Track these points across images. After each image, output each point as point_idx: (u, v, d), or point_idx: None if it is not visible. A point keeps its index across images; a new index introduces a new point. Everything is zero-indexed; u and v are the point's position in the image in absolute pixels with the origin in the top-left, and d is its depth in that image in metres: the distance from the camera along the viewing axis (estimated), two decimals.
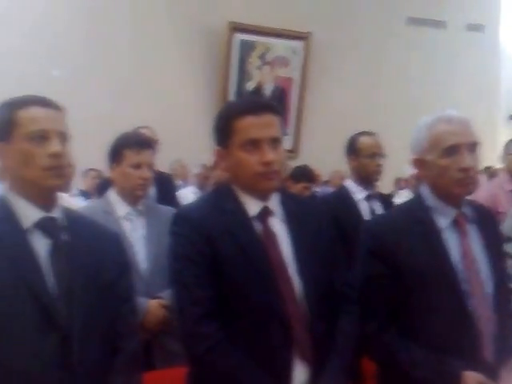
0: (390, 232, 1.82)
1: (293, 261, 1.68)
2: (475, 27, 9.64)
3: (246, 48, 7.43)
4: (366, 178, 3.13)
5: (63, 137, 1.56)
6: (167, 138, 4.11)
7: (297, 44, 7.71)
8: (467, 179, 1.77)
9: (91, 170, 5.78)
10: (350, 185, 3.17)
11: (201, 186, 5.98)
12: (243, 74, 7.42)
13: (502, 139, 5.67)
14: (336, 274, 1.76)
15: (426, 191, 1.87)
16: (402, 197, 4.75)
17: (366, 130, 3.27)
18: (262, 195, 1.71)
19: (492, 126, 9.16)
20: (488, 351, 1.76)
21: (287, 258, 1.68)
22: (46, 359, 1.46)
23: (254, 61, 7.45)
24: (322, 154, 6.56)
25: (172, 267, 1.70)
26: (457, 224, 1.83)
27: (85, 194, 5.59)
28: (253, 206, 1.70)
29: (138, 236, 2.50)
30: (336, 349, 1.67)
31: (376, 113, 7.87)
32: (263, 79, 7.54)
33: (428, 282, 1.75)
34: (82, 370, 1.50)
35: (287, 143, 6.73)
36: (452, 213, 1.83)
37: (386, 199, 3.32)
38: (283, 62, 7.66)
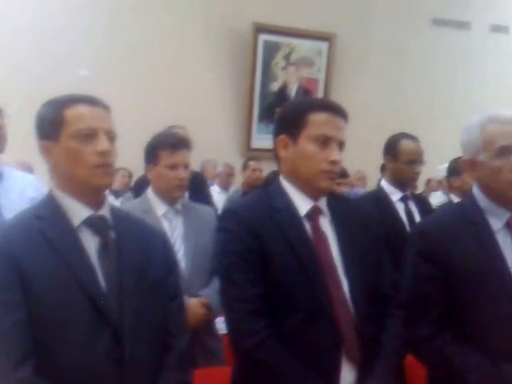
0: (442, 233, 1.78)
1: (341, 261, 1.67)
2: (499, 28, 9.54)
3: (271, 49, 7.42)
4: (402, 183, 3.09)
5: (110, 135, 1.56)
6: (193, 138, 4.11)
7: (321, 45, 7.69)
8: None
9: (120, 169, 5.81)
10: (386, 185, 3.14)
11: (224, 186, 5.99)
12: (268, 75, 7.41)
13: None
14: (382, 275, 1.75)
15: (477, 192, 1.84)
16: (435, 198, 4.70)
17: (403, 131, 3.22)
18: (316, 194, 1.71)
19: None
20: None
21: (336, 258, 1.67)
22: (98, 357, 1.47)
23: (278, 61, 7.43)
24: (347, 153, 6.47)
25: (221, 263, 1.70)
26: (510, 226, 1.79)
27: (115, 193, 5.61)
28: (303, 205, 1.70)
29: (177, 235, 2.51)
30: (383, 351, 1.66)
31: (401, 113, 7.81)
32: (288, 80, 7.53)
33: (482, 285, 1.71)
34: (133, 368, 1.50)
35: None
36: (505, 215, 1.78)
37: (421, 200, 3.29)
38: (308, 62, 7.64)
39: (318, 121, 1.66)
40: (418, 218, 3.05)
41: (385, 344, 1.67)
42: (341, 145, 1.69)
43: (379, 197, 3.11)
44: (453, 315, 1.75)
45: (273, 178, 3.71)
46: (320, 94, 7.53)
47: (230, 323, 1.66)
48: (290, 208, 1.69)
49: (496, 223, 1.78)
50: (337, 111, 1.70)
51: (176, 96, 6.96)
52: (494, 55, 9.20)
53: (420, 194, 4.04)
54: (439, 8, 8.96)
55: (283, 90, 7.49)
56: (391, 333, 1.70)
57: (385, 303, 1.73)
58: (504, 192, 1.76)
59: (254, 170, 5.25)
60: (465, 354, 1.71)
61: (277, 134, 1.74)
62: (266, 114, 7.35)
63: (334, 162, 1.65)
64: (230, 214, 1.72)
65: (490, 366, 1.68)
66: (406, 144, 3.07)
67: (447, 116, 8.18)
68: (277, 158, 1.77)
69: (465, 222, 1.80)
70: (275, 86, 7.46)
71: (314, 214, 1.70)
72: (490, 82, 8.98)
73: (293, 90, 7.58)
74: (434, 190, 5.56)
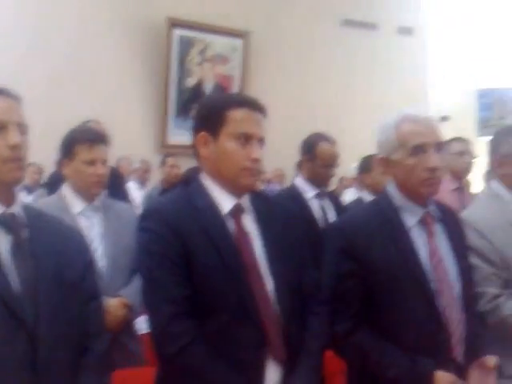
0: (360, 230, 1.81)
1: (264, 260, 1.66)
2: (405, 30, 9.97)
3: (186, 44, 7.36)
4: (318, 182, 3.17)
5: (22, 128, 1.49)
6: (107, 134, 4.02)
7: (236, 42, 7.72)
8: (434, 179, 1.79)
9: (29, 164, 5.55)
10: (301, 183, 3.20)
11: (141, 182, 5.90)
12: (183, 70, 7.35)
13: None
14: (304, 274, 1.76)
15: (392, 190, 1.88)
16: (348, 195, 4.84)
17: (317, 128, 3.29)
18: (238, 191, 1.69)
19: None
20: (457, 351, 1.78)
21: (259, 257, 1.66)
22: (13, 361, 1.40)
23: (193, 57, 7.39)
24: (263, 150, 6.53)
25: (144, 264, 1.66)
26: (424, 223, 1.83)
27: (27, 189, 5.37)
28: (226, 203, 1.68)
29: (95, 233, 2.43)
30: (306, 349, 1.67)
31: (315, 111, 8.00)
32: (203, 76, 7.50)
33: (397, 281, 1.74)
34: (49, 373, 1.45)
35: None
36: (419, 212, 1.83)
37: (334, 198, 3.39)
38: (223, 59, 7.65)
39: (237, 118, 1.65)
40: (331, 215, 3.14)
41: (308, 342, 1.68)
42: (261, 141, 1.68)
43: (293, 194, 3.16)
44: (371, 311, 1.79)
45: (191, 175, 3.70)
46: (235, 91, 7.55)
47: (154, 326, 1.62)
48: (212, 207, 1.67)
49: (410, 220, 1.83)
50: (256, 107, 1.68)
51: (89, 90, 6.75)
52: (400, 56, 9.61)
53: (332, 191, 4.14)
54: (348, 9, 9.25)
55: (199, 86, 7.45)
56: (314, 331, 1.71)
57: (308, 301, 1.74)
58: (417, 190, 1.80)
59: (172, 166, 5.20)
60: (382, 349, 1.75)
61: (196, 130, 1.71)
62: (182, 110, 7.28)
63: (255, 160, 1.64)
64: (153, 213, 1.68)
65: (406, 360, 1.73)
66: (324, 147, 3.14)
67: (355, 115, 8.49)
68: (197, 155, 1.74)
69: (380, 219, 1.83)
70: (191, 82, 7.41)
71: (236, 212, 1.68)
72: (396, 81, 9.36)
73: (208, 87, 7.56)
74: (347, 187, 5.73)
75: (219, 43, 7.57)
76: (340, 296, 1.80)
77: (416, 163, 1.78)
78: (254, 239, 1.68)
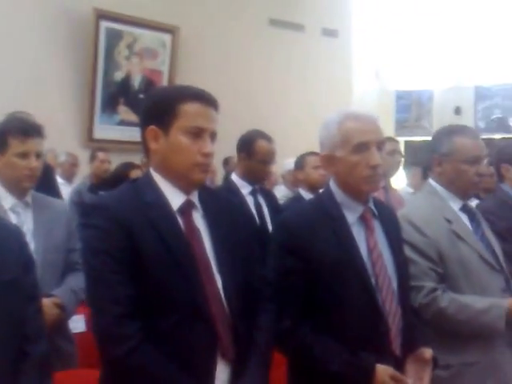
0: (304, 226, 1.83)
1: (213, 257, 1.65)
2: (330, 32, 10.16)
3: (113, 37, 7.18)
4: (254, 179, 3.19)
5: (214, 136, 1.62)
6: None
7: (165, 37, 7.61)
8: (375, 176, 1.83)
9: None
10: (236, 179, 3.21)
11: (67, 176, 5.71)
12: (111, 64, 7.17)
13: None
14: (253, 270, 1.76)
15: (334, 187, 1.91)
16: (279, 192, 4.90)
17: (247, 127, 3.30)
18: (189, 187, 1.67)
19: None
20: (396, 344, 1.83)
21: (209, 254, 1.65)
22: None
23: (121, 51, 7.22)
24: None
25: (88, 263, 1.60)
26: (364, 220, 1.88)
27: None
28: (175, 199, 1.64)
29: (26, 230, 2.33)
30: (255, 347, 1.67)
31: (242, 109, 8.00)
32: (132, 70, 7.34)
33: (340, 276, 1.78)
34: None
35: None
36: (359, 209, 1.87)
37: (268, 194, 3.42)
38: (152, 54, 7.52)
39: (190, 112, 1.62)
40: (266, 211, 3.17)
41: (257, 340, 1.68)
42: (213, 136, 1.66)
43: (230, 191, 3.15)
44: (314, 306, 1.81)
45: (123, 171, 3.63)
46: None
47: (99, 327, 1.56)
48: (161, 202, 1.63)
49: (351, 216, 1.87)
50: (209, 101, 1.66)
51: (14, 82, 6.45)
52: (326, 57, 9.80)
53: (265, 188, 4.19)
54: (276, 9, 9.32)
55: (127, 80, 7.30)
56: (263, 328, 1.71)
57: (256, 298, 1.73)
58: (360, 187, 1.84)
59: (102, 161, 5.08)
60: (324, 344, 1.77)
61: (145, 124, 1.66)
62: (109, 104, 7.11)
63: (207, 155, 1.62)
64: (98, 209, 1.62)
65: (348, 355, 1.76)
66: (261, 144, 3.17)
67: (284, 114, 8.58)
68: (146, 150, 1.69)
69: (323, 216, 1.86)
70: (118, 76, 7.24)
71: (186, 208, 1.66)
72: (323, 82, 9.54)
73: (136, 81, 7.42)
74: (277, 184, 5.80)
75: (148, 37, 7.44)
76: (283, 292, 1.80)
77: (359, 160, 1.82)
78: (203, 236, 1.66)
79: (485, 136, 9.87)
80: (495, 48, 10.35)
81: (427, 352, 1.87)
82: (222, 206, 1.78)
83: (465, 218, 2.29)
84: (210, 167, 1.67)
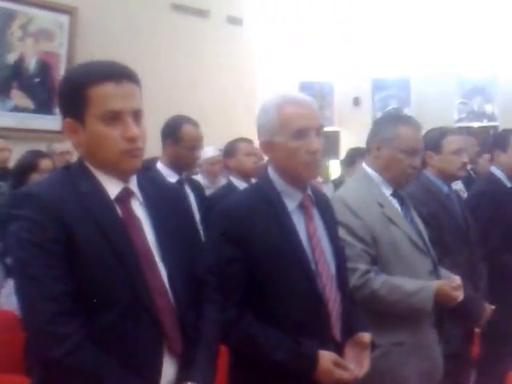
0: (244, 214, 1.78)
1: (156, 247, 1.55)
2: (235, 20, 10.12)
3: (6, 17, 6.67)
4: (181, 166, 3.08)
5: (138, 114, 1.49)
6: None
7: (62, 18, 7.20)
8: (315, 162, 1.81)
9: None
10: (162, 168, 3.08)
11: None
12: (3, 45, 6.66)
13: None
14: (197, 260, 1.69)
15: (273, 174, 1.87)
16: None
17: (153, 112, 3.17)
18: (123, 175, 1.55)
19: (251, 118, 9.75)
20: (336, 330, 1.84)
21: (151, 244, 1.55)
22: None
23: (14, 31, 6.73)
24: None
25: (17, 257, 1.44)
26: (303, 207, 1.86)
27: None
28: (112, 187, 1.52)
29: None
30: (202, 339, 1.60)
31: (150, 96, 7.78)
32: (26, 52, 6.85)
33: (281, 264, 1.76)
34: None
35: (53, 123, 6.25)
36: (298, 196, 1.85)
37: (195, 183, 3.33)
38: (48, 35, 7.07)
39: (100, 95, 1.45)
40: (193, 201, 3.08)
41: (204, 332, 1.62)
42: (136, 115, 1.50)
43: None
44: (256, 295, 1.77)
45: (31, 160, 3.37)
46: (62, 70, 7.07)
47: (32, 327, 1.42)
48: (98, 191, 1.50)
49: (290, 204, 1.84)
50: (122, 76, 1.49)
51: None
52: (231, 45, 9.75)
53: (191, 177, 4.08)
54: None
55: (20, 63, 6.81)
56: (209, 319, 1.65)
57: (201, 288, 1.67)
58: (300, 173, 1.81)
59: (1, 149, 4.73)
60: (267, 333, 1.75)
61: (63, 116, 1.52)
62: (2, 89, 6.61)
63: (131, 139, 1.48)
64: (27, 198, 1.46)
65: (291, 342, 1.74)
66: (188, 130, 3.07)
67: (191, 101, 8.43)
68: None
69: (263, 203, 1.82)
70: (11, 58, 6.74)
71: (124, 196, 1.55)
72: (228, 71, 9.50)
73: (31, 64, 6.96)
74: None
75: (44, 18, 6.99)
76: (225, 282, 1.76)
77: (298, 146, 1.78)
78: (144, 225, 1.56)
79: None
80: (391, 41, 10.80)
81: (366, 336, 1.90)
82: (162, 192, 1.68)
83: (395, 203, 2.33)
84: (141, 150, 1.53)
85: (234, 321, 1.75)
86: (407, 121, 2.38)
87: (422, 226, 2.40)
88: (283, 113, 1.80)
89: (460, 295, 2.27)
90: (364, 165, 2.43)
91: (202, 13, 9.52)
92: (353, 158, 4.44)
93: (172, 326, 1.52)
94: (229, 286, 1.76)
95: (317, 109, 1.88)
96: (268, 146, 1.85)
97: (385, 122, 2.43)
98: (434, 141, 2.83)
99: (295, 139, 1.78)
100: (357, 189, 2.36)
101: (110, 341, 1.43)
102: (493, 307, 2.76)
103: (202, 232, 2.82)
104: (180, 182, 3.09)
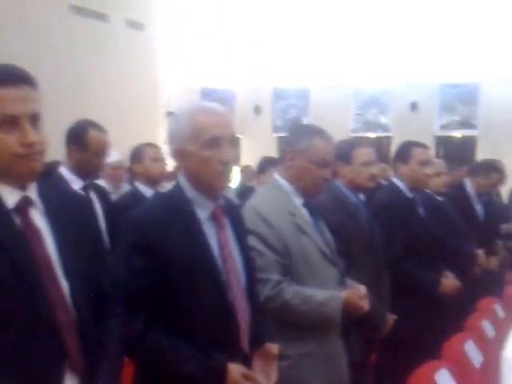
0: (155, 224, 1.73)
1: (58, 260, 1.46)
2: (135, 25, 9.96)
3: None
4: (87, 173, 2.94)
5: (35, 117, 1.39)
6: None
7: None
8: (227, 172, 1.79)
9: None
10: (66, 173, 2.93)
11: None
12: None
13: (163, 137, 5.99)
14: (101, 272, 1.62)
15: (185, 183, 1.82)
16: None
17: (49, 118, 3.02)
18: (21, 182, 1.45)
19: (152, 124, 9.61)
20: (244, 342, 1.82)
21: (52, 256, 1.46)
22: None
23: None
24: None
25: None
26: (214, 217, 1.82)
27: None
28: (10, 196, 1.42)
29: None
30: (105, 356, 1.54)
31: (52, 100, 7.44)
32: None
33: (191, 275, 1.72)
34: None
35: None
36: (210, 205, 1.81)
37: (101, 190, 3.20)
38: None
39: None
40: (98, 208, 2.95)
41: (106, 347, 1.55)
42: (33, 119, 1.43)
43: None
44: (165, 308, 1.72)
45: None
46: None
47: None
48: None
49: (202, 213, 1.80)
50: (17, 80, 1.41)
51: None
52: (132, 50, 9.58)
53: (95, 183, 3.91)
54: None
55: None
56: (111, 334, 1.58)
57: (105, 302, 1.60)
58: (212, 183, 1.78)
59: None
60: (177, 347, 1.70)
61: None
62: None
63: (29, 144, 1.40)
64: None
65: (200, 356, 1.71)
66: (94, 135, 2.95)
67: (91, 106, 8.15)
68: None
69: (175, 213, 1.77)
70: None
71: (23, 206, 1.44)
72: (129, 75, 9.31)
73: None
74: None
75: None
76: (133, 295, 1.69)
77: (211, 156, 1.75)
78: (45, 236, 1.46)
79: (282, 134, 10.52)
80: (292, 52, 11.07)
81: (273, 348, 1.90)
82: (64, 200, 1.60)
83: (306, 213, 2.35)
84: (39, 155, 1.44)
85: (142, 334, 1.69)
86: (322, 134, 2.41)
87: (330, 236, 2.43)
88: (196, 121, 1.76)
89: (366, 305, 2.31)
90: (275, 174, 2.43)
91: (101, 16, 9.28)
92: (265, 167, 4.47)
93: (73, 341, 1.44)
94: (136, 299, 1.69)
95: (231, 118, 1.85)
96: (180, 154, 1.80)
97: (300, 132, 2.44)
98: (345, 152, 2.89)
99: (208, 148, 1.75)
100: (269, 198, 2.36)
101: (8, 359, 1.34)
102: (394, 317, 2.85)
103: (108, 241, 2.72)
104: (85, 188, 2.95)
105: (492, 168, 4.80)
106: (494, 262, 4.30)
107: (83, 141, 2.91)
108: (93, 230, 1.65)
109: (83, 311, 1.47)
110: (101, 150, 2.96)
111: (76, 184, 2.92)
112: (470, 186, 4.61)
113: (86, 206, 1.67)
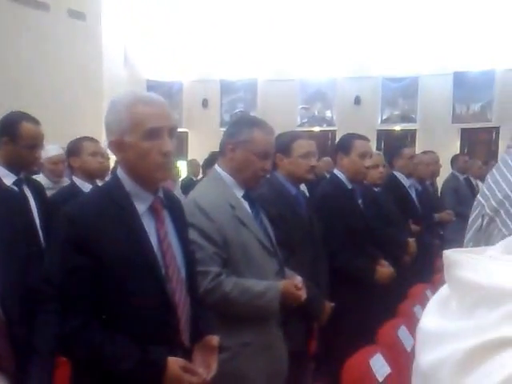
0: (91, 219, 1.69)
1: None
2: (77, 14, 9.73)
3: None
4: (20, 167, 2.87)
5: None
6: None
7: None
8: (168, 164, 1.77)
9: None
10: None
11: None
12: None
13: None
14: (34, 269, 1.60)
15: (123, 175, 1.79)
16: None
17: None
18: None
19: (96, 115, 9.41)
20: (185, 336, 1.82)
21: None
22: None
23: None
24: None
25: None
26: (153, 210, 1.81)
27: None
28: None
29: None
30: (37, 354, 1.53)
31: None
32: None
33: (130, 269, 1.69)
34: None
35: None
36: (149, 198, 1.80)
37: (36, 184, 3.12)
38: None
39: None
40: (32, 203, 2.88)
41: (37, 346, 1.53)
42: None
43: None
44: (107, 303, 1.70)
45: None
46: None
47: None
48: None
49: (141, 206, 1.78)
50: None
51: None
52: (74, 41, 9.35)
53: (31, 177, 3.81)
54: None
55: None
56: (43, 332, 1.56)
57: (36, 299, 1.57)
58: (151, 174, 1.76)
59: None
60: (115, 343, 1.68)
61: None
62: None
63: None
64: None
65: (138, 351, 1.69)
66: (27, 127, 2.86)
67: (33, 98, 7.93)
68: None
69: (112, 206, 1.74)
70: None
71: None
72: (72, 66, 9.10)
73: None
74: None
75: None
76: (69, 291, 1.66)
77: (150, 147, 1.73)
78: None
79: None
80: (240, 44, 11.04)
81: (214, 339, 1.90)
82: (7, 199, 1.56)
83: (246, 205, 2.37)
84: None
85: (77, 332, 1.66)
86: (262, 125, 2.42)
87: (270, 228, 2.46)
88: (134, 111, 1.73)
89: (303, 294, 2.35)
90: (216, 166, 2.44)
91: (42, 5, 9.03)
92: (212, 161, 4.47)
93: (2, 342, 1.42)
94: (72, 296, 1.66)
95: (169, 109, 1.83)
96: (118, 145, 1.76)
97: (241, 124, 2.45)
98: (285, 144, 2.92)
99: (147, 139, 1.72)
100: (209, 191, 2.36)
101: None
102: (332, 304, 2.92)
103: (43, 238, 2.66)
104: (18, 183, 2.87)
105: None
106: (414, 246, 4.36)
107: (15, 133, 2.82)
108: (26, 226, 1.62)
109: (12, 311, 1.46)
110: (34, 143, 2.88)
111: (8, 178, 2.81)
112: (401, 176, 4.79)
113: (20, 201, 1.64)
